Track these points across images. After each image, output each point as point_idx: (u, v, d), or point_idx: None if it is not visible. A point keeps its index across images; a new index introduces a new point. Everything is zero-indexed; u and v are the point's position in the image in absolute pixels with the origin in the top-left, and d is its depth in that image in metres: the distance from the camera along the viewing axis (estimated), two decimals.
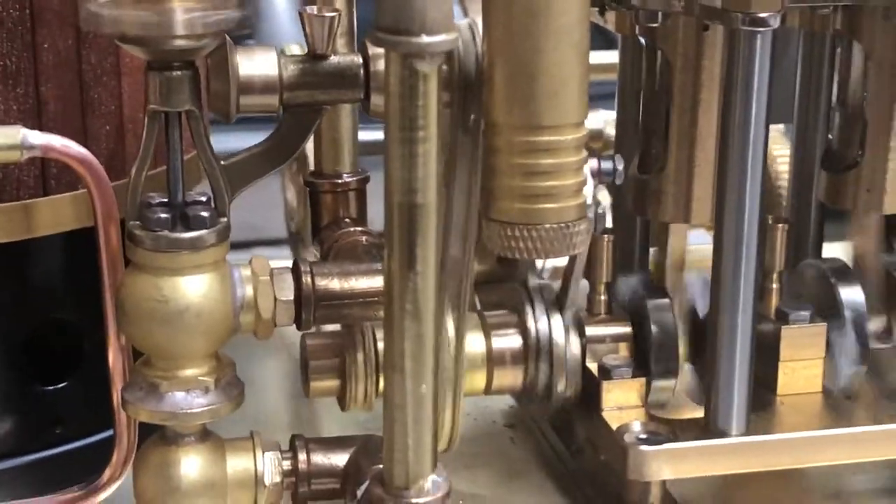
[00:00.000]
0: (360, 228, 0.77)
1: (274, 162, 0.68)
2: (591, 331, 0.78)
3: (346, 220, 0.79)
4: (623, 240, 0.82)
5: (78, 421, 0.81)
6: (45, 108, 0.74)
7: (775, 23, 0.68)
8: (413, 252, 0.60)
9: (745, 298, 0.72)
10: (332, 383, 0.75)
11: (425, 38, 0.56)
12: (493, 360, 0.77)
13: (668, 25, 0.75)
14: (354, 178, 0.80)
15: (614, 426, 0.75)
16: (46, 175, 0.74)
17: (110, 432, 0.77)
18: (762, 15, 0.68)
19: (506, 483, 0.83)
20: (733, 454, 0.74)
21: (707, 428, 0.75)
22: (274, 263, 0.71)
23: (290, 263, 0.71)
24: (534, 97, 0.62)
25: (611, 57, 0.86)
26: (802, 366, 0.79)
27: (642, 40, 0.79)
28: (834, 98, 0.81)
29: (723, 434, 0.74)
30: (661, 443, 0.74)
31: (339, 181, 0.80)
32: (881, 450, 0.77)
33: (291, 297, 0.69)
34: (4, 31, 0.72)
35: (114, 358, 0.71)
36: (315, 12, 0.66)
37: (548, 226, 0.64)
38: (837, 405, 0.78)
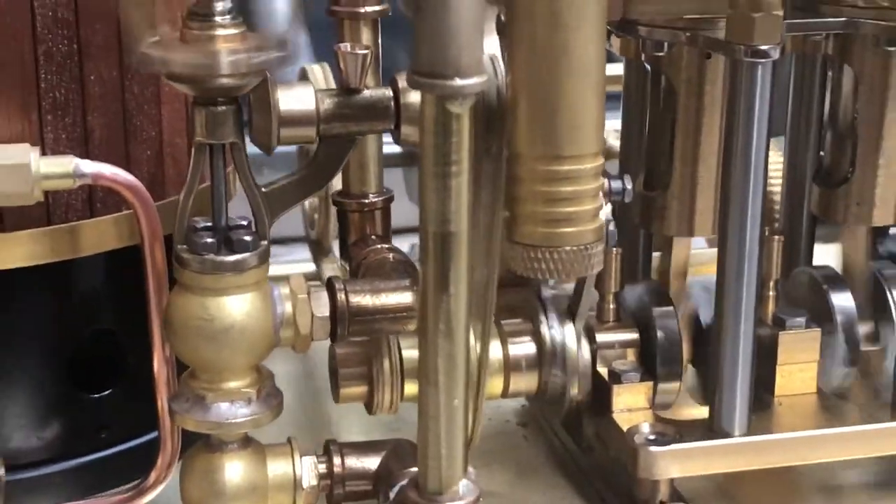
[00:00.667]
0: (386, 245, 0.78)
1: (310, 188, 0.70)
2: (601, 337, 0.80)
3: (373, 237, 0.80)
4: (627, 249, 0.83)
5: (122, 426, 0.82)
6: (91, 135, 0.75)
7: (775, 54, 0.70)
8: (447, 277, 0.61)
9: (746, 309, 0.74)
10: (361, 389, 0.77)
11: (458, 82, 0.58)
12: (509, 366, 0.79)
13: (673, 53, 0.77)
14: (380, 199, 0.81)
15: (624, 428, 0.77)
16: (93, 199, 0.76)
17: (151, 435, 0.79)
18: (763, 47, 0.70)
19: (520, 480, 0.84)
20: (736, 453, 0.76)
21: (711, 429, 0.77)
22: (298, 267, 0.71)
23: (309, 268, 0.72)
24: (555, 131, 0.64)
25: (612, 69, 0.87)
26: (798, 368, 0.80)
27: (647, 65, 0.80)
28: (825, 116, 0.83)
29: (726, 434, 0.76)
30: (668, 443, 0.76)
31: (366, 201, 0.81)
32: (872, 447, 0.79)
33: (327, 314, 0.70)
34: (54, 64, 0.73)
35: (159, 368, 0.73)
36: (349, 49, 0.67)
37: (568, 248, 0.66)
38: (831, 405, 0.80)
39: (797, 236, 0.85)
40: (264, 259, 0.68)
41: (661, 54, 0.76)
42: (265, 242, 0.68)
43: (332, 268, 0.90)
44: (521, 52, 0.64)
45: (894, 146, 0.79)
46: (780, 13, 0.69)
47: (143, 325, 0.72)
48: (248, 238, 0.67)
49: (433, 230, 0.61)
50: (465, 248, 0.61)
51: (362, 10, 0.80)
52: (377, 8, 0.80)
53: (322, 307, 0.70)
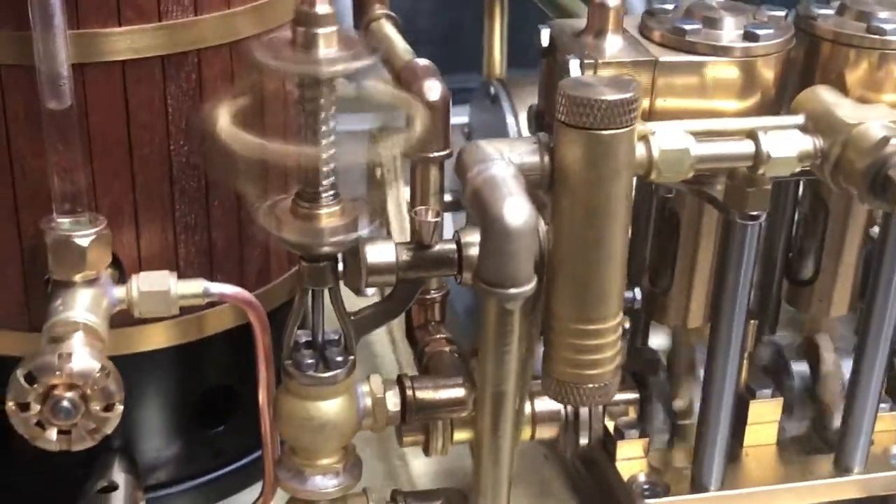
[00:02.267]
0: (444, 336, 0.87)
1: (389, 316, 0.78)
2: None
3: (433, 322, 0.88)
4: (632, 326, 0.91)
5: (232, 452, 0.92)
6: (214, 247, 0.83)
7: (763, 217, 0.77)
8: (498, 423, 0.71)
9: (728, 389, 0.82)
10: (419, 437, 0.85)
11: (513, 291, 0.66)
12: (535, 419, 0.87)
13: (680, 192, 0.83)
14: (439, 294, 0.89)
15: (625, 476, 0.87)
16: None
17: (254, 455, 0.89)
18: (754, 213, 0.77)
19: (540, 498, 0.94)
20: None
21: (693, 482, 0.86)
22: None
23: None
24: (585, 301, 0.72)
25: None
26: (764, 427, 0.89)
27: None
28: (796, 226, 0.90)
29: (705, 489, 0.85)
30: (659, 495, 0.85)
31: (427, 297, 0.89)
32: (827, 494, 0.88)
33: (399, 409, 0.79)
34: (186, 197, 0.80)
35: (264, 421, 0.82)
36: (424, 217, 0.74)
37: (591, 385, 0.74)
38: (789, 455, 0.89)
39: (766, 315, 0.92)
40: (352, 370, 0.76)
41: (669, 195, 0.83)
42: (352, 357, 0.76)
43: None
44: (561, 238, 0.71)
45: (851, 259, 0.87)
46: (769, 187, 0.76)
47: (250, 380, 0.80)
48: (339, 358, 0.75)
49: (490, 391, 0.70)
50: (512, 399, 0.70)
51: None
52: None
53: (394, 404, 0.79)
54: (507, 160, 0.69)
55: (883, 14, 0.80)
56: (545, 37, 0.82)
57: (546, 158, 0.70)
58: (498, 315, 0.67)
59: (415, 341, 0.89)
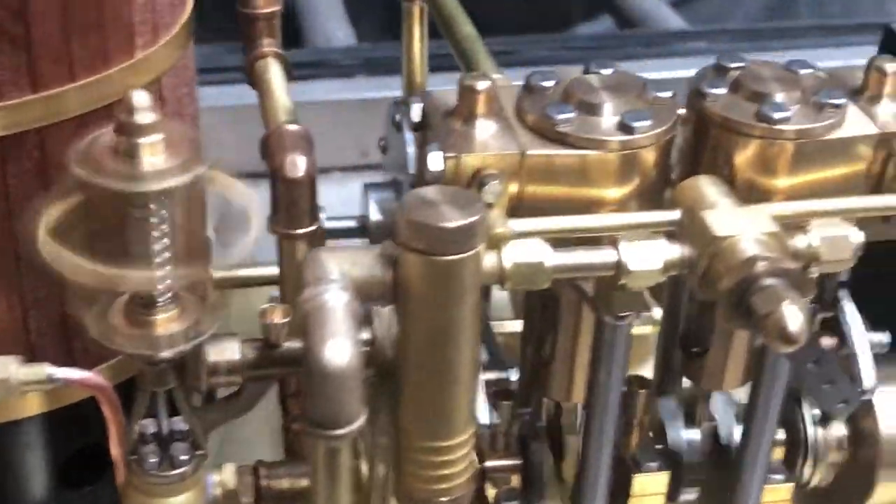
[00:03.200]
0: None
1: (238, 413, 0.75)
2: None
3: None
4: None
5: None
6: (69, 318, 0.79)
7: (635, 319, 0.73)
8: None
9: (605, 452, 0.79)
10: None
11: (336, 432, 0.62)
12: None
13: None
14: None
15: None
16: None
17: None
18: (623, 314, 0.73)
19: None
20: None
21: None
22: None
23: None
24: (432, 420, 0.68)
25: None
26: (648, 499, 0.86)
27: None
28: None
29: None
30: None
31: None
32: None
33: (252, 501, 0.76)
34: (34, 272, 0.76)
35: None
36: (271, 319, 0.70)
37: (444, 499, 0.71)
38: None
39: (667, 382, 0.89)
40: (199, 465, 0.73)
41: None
42: (201, 451, 0.73)
43: None
44: (406, 357, 0.67)
45: (743, 334, 0.83)
46: (642, 293, 0.72)
47: None
48: (185, 456, 0.72)
49: None
50: None
51: None
52: None
53: (247, 496, 0.76)
54: (345, 282, 0.65)
55: (778, 96, 0.75)
56: (416, 112, 0.77)
57: (389, 273, 0.66)
58: (325, 454, 0.64)
59: (286, 410, 0.86)
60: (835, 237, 0.70)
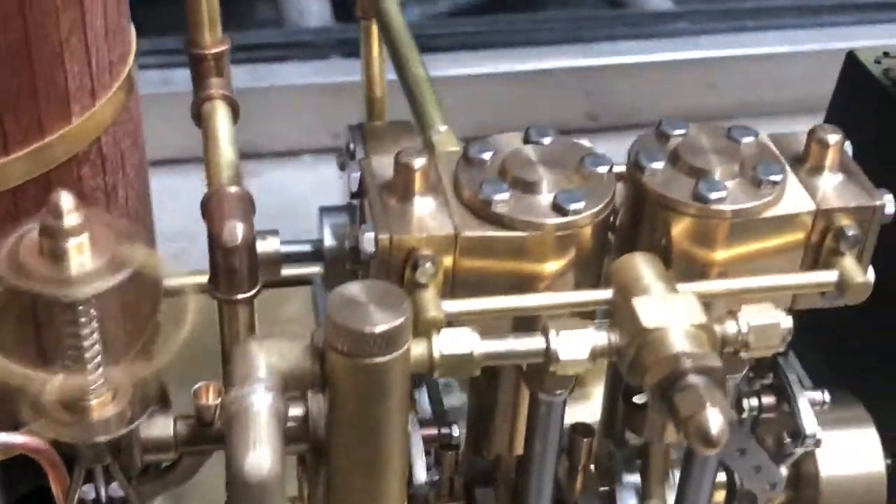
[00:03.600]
0: None
1: (173, 483, 0.75)
2: None
3: None
4: None
5: None
6: None
7: (566, 393, 0.74)
8: None
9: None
10: None
11: None
12: None
13: None
14: None
15: None
16: None
17: None
18: (558, 392, 0.73)
19: None
20: None
21: None
22: None
23: None
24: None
25: None
26: None
27: None
28: None
29: None
30: None
31: None
32: None
33: None
34: None
35: None
36: (203, 400, 0.71)
37: None
38: None
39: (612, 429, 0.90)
40: None
41: None
42: None
43: None
44: (334, 448, 0.68)
45: None
46: (572, 375, 0.72)
47: None
48: None
49: None
50: None
51: None
52: None
53: None
54: (272, 380, 0.65)
55: (716, 173, 0.75)
56: (354, 182, 0.77)
57: (317, 366, 0.67)
58: None
59: None
60: (764, 326, 0.70)
